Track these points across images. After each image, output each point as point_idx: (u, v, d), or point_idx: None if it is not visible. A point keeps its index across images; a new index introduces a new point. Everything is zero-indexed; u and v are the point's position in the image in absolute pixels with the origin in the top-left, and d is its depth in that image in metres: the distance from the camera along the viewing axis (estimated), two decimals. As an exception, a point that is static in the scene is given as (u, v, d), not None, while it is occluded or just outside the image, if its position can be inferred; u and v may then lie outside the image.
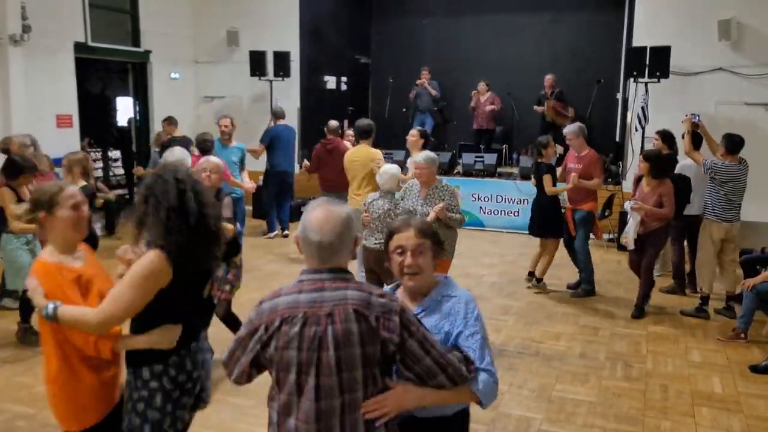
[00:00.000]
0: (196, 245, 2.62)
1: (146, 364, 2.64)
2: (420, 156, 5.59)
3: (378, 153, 7.35)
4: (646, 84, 9.57)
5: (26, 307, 5.81)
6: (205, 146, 7.30)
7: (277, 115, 10.38)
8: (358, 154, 7.36)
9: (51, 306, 2.54)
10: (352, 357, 2.05)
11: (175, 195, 2.59)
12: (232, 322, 5.27)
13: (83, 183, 5.69)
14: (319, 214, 2.15)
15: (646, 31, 9.94)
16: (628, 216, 6.86)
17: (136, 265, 2.57)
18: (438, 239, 2.52)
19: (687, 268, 7.49)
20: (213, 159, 5.28)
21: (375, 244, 5.42)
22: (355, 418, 2.09)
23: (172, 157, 5.25)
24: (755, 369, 5.42)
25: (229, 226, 4.73)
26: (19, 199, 5.59)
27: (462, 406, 2.46)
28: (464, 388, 2.24)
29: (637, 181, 7.03)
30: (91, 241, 3.85)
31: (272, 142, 9.99)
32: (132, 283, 2.52)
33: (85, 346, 2.62)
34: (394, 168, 5.65)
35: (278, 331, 2.09)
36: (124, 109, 14.39)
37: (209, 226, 2.68)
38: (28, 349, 5.65)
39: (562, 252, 7.63)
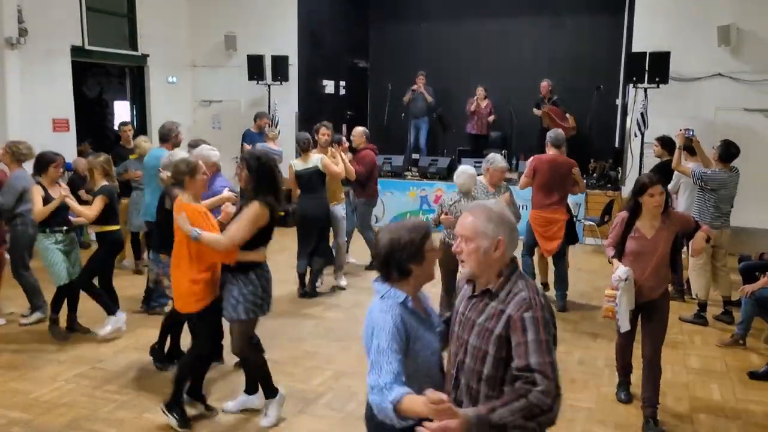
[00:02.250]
0: (277, 201, 4.29)
1: (250, 269, 4.25)
2: (501, 163, 6.22)
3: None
4: (645, 89, 9.57)
5: (57, 300, 6.02)
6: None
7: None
8: None
9: (195, 231, 4.07)
10: None
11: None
12: None
13: (104, 183, 5.81)
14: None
15: (645, 36, 9.93)
16: (618, 295, 4.46)
17: (248, 212, 4.13)
18: None
19: (686, 274, 7.46)
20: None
21: None
22: None
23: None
24: (754, 375, 5.40)
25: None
26: (47, 195, 5.77)
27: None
28: None
29: (628, 221, 4.57)
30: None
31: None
32: (247, 222, 4.11)
33: (219, 257, 4.19)
34: (471, 169, 5.93)
35: None
36: (121, 113, 14.36)
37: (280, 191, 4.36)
38: (22, 356, 5.62)
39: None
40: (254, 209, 4.15)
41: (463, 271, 2.42)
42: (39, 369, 5.35)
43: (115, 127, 14.83)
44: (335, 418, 4.59)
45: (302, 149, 7.40)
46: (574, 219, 7.94)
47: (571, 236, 7.39)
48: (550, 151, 7.03)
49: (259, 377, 4.52)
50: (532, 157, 7.21)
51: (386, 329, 2.33)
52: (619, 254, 4.59)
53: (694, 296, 6.93)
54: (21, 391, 4.95)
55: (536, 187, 6.98)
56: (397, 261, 2.41)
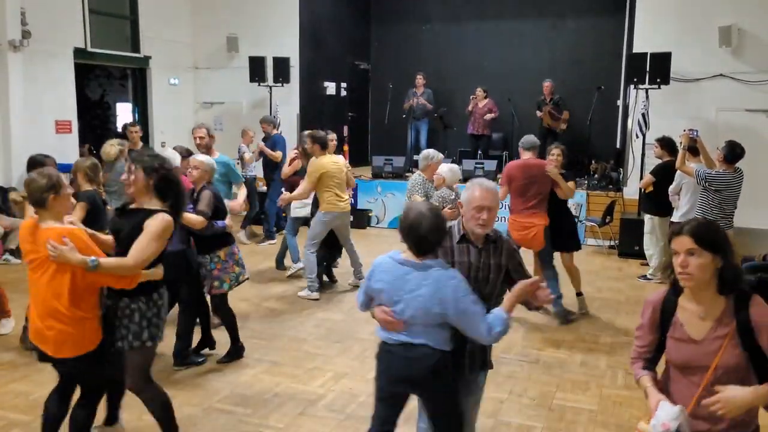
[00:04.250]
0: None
1: (154, 290, 3.75)
2: (440, 155, 7.15)
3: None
4: (646, 90, 9.56)
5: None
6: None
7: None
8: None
9: (92, 260, 3.39)
10: None
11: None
12: (225, 315, 5.62)
13: (88, 188, 5.70)
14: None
15: (646, 37, 9.94)
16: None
17: (154, 225, 3.55)
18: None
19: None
20: (199, 157, 5.60)
21: None
22: None
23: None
24: (757, 377, 5.35)
25: (196, 217, 5.13)
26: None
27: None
28: None
29: (664, 306, 2.67)
30: None
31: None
32: (153, 238, 3.55)
33: (118, 282, 3.55)
34: (456, 166, 7.04)
35: None
36: (124, 114, 14.39)
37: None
38: (24, 356, 5.61)
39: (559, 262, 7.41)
40: (160, 221, 3.60)
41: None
42: (40, 370, 5.32)
43: (119, 129, 14.89)
44: (336, 420, 4.58)
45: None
46: (577, 221, 7.88)
47: (569, 242, 6.95)
48: (523, 156, 6.91)
49: (163, 419, 3.94)
50: (505, 166, 7.12)
51: None
52: (653, 367, 2.79)
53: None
54: (22, 392, 4.95)
55: (512, 193, 6.74)
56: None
